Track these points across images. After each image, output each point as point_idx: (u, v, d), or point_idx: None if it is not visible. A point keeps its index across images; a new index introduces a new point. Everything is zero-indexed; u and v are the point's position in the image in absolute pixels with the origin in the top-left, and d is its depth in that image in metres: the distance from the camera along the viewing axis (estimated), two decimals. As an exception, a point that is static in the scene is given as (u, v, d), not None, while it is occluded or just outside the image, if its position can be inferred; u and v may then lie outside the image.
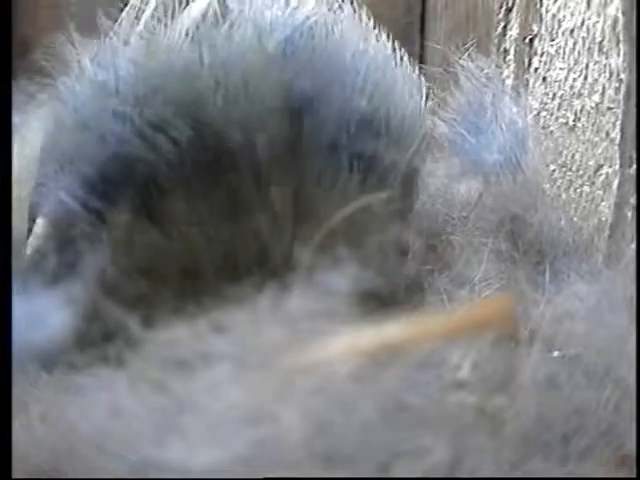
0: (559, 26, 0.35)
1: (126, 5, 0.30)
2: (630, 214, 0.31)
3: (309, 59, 0.27)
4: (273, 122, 0.26)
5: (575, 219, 0.33)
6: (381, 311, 0.19)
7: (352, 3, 0.31)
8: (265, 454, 0.17)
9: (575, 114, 0.34)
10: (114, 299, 0.20)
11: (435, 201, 0.33)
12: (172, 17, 0.28)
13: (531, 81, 0.37)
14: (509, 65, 0.38)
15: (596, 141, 0.32)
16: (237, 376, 0.18)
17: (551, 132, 0.35)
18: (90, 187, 0.26)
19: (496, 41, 0.39)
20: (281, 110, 0.26)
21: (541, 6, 0.36)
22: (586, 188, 0.33)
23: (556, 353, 0.23)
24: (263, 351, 0.18)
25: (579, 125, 0.33)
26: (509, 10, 0.38)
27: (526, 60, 0.37)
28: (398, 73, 0.30)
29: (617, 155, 0.31)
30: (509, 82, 0.38)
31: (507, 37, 0.38)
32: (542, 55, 0.36)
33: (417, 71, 0.31)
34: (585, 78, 0.33)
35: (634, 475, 0.20)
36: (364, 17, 0.31)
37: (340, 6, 0.30)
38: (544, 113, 0.36)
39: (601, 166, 0.32)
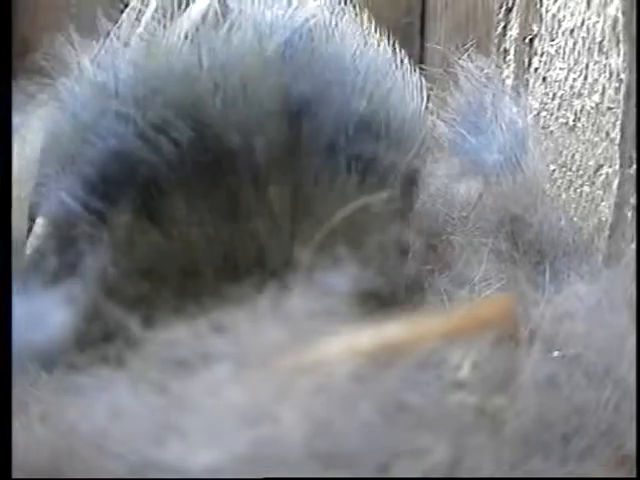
0: (559, 26, 0.35)
1: (126, 6, 0.30)
2: (630, 214, 0.31)
3: (308, 61, 0.27)
4: (272, 124, 0.26)
5: (575, 219, 0.33)
6: (381, 311, 0.19)
7: (352, 4, 0.31)
8: (265, 454, 0.17)
9: (575, 114, 0.34)
10: (114, 299, 0.20)
11: (435, 201, 0.33)
12: (172, 19, 0.28)
13: (531, 81, 0.37)
14: (509, 65, 0.38)
15: (596, 141, 0.32)
16: (237, 376, 0.18)
17: (551, 132, 0.35)
18: (89, 187, 0.26)
19: (496, 41, 0.39)
20: (280, 112, 0.26)
21: (541, 6, 0.36)
22: (586, 188, 0.33)
23: (556, 353, 0.23)
24: (263, 351, 0.18)
25: (579, 125, 0.33)
26: (509, 10, 0.38)
27: (526, 60, 0.37)
28: (398, 75, 0.30)
29: (617, 155, 0.31)
30: (509, 82, 0.38)
31: (507, 37, 0.38)
32: (542, 55, 0.36)
33: (417, 72, 0.31)
34: (585, 78, 0.33)
35: (634, 475, 0.20)
36: (364, 19, 0.31)
37: (340, 8, 0.30)
38: (544, 113, 0.36)
39: (601, 166, 0.32)
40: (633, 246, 0.30)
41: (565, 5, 0.34)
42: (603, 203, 0.32)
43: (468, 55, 0.33)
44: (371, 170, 0.27)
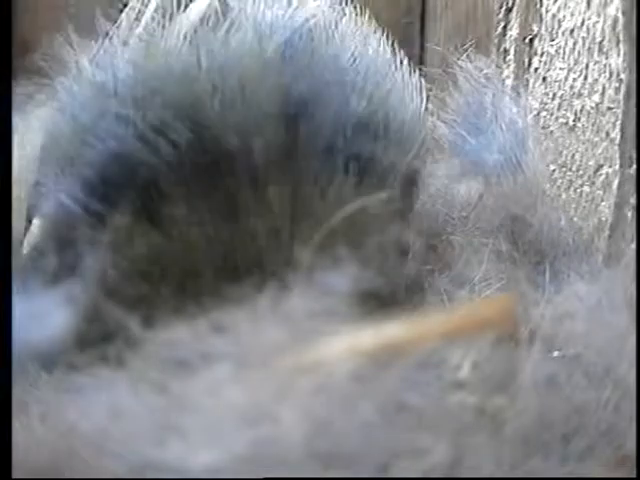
0: (559, 26, 0.35)
1: (125, 6, 0.30)
2: (630, 214, 0.31)
3: (308, 62, 0.27)
4: (273, 125, 0.26)
5: (575, 219, 0.33)
6: (381, 311, 0.19)
7: (352, 5, 0.31)
8: (265, 454, 0.17)
9: (575, 114, 0.34)
10: (114, 300, 0.20)
11: (435, 201, 0.33)
12: (171, 19, 0.28)
13: (531, 81, 0.37)
14: (509, 65, 0.38)
15: (596, 141, 0.32)
16: (237, 376, 0.18)
17: (551, 132, 0.35)
18: (87, 188, 0.26)
19: (496, 41, 0.39)
20: (280, 112, 0.26)
21: (541, 6, 0.36)
22: (586, 188, 0.33)
23: (556, 353, 0.23)
24: (263, 351, 0.18)
25: (579, 125, 0.33)
26: (509, 10, 0.38)
27: (526, 60, 0.37)
28: (398, 76, 0.30)
29: (617, 155, 0.31)
30: (509, 82, 0.38)
31: (507, 37, 0.38)
32: (542, 55, 0.36)
33: (417, 73, 0.31)
34: (585, 78, 0.33)
35: (634, 475, 0.20)
36: (365, 19, 0.31)
37: (340, 8, 0.30)
38: (544, 113, 0.36)
39: (601, 166, 0.32)
40: (633, 246, 0.30)
41: (565, 5, 0.34)
42: (603, 203, 0.32)
43: (468, 55, 0.33)
44: (371, 171, 0.27)
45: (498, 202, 0.32)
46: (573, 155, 0.34)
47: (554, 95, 0.35)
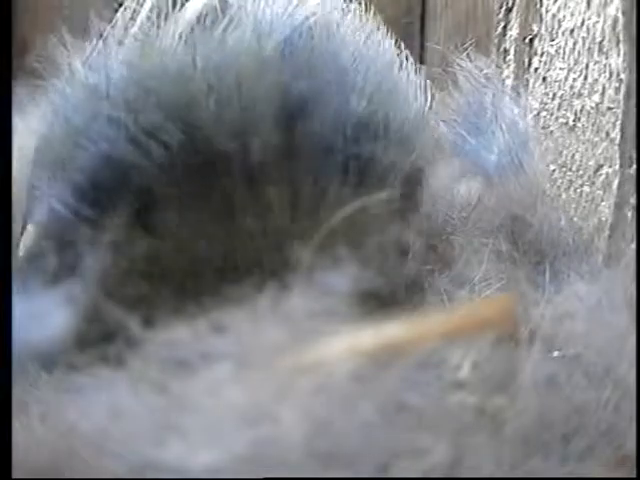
0: (559, 26, 0.35)
1: (120, 5, 0.30)
2: (630, 214, 0.31)
3: (308, 60, 0.27)
4: (271, 124, 0.26)
5: (575, 219, 0.33)
6: (381, 311, 0.19)
7: (355, 2, 0.31)
8: (265, 454, 0.17)
9: (575, 114, 0.34)
10: (114, 300, 0.20)
11: (435, 201, 0.33)
12: (167, 19, 0.28)
13: (531, 81, 0.37)
14: (509, 65, 0.38)
15: (596, 141, 0.32)
16: (237, 376, 0.18)
17: (551, 132, 0.35)
18: (81, 190, 0.25)
19: (496, 41, 0.39)
20: (279, 112, 0.26)
21: (541, 6, 0.36)
22: (586, 188, 0.33)
23: (556, 353, 0.23)
24: (263, 351, 0.18)
25: (579, 125, 0.33)
26: (509, 10, 0.38)
27: (526, 60, 0.37)
28: (401, 74, 0.30)
29: (617, 155, 0.31)
30: (509, 82, 0.38)
31: (507, 37, 0.38)
32: (542, 55, 0.36)
33: (419, 72, 0.31)
34: (585, 78, 0.33)
35: (634, 475, 0.20)
36: (368, 17, 0.30)
37: (342, 5, 0.30)
38: (544, 113, 0.36)
39: (601, 166, 0.32)
40: (633, 246, 0.30)
41: (565, 5, 0.34)
42: (603, 203, 0.32)
43: (468, 55, 0.33)
44: (373, 171, 0.27)
45: (498, 202, 0.32)
46: (573, 155, 0.34)
47: (554, 95, 0.35)
